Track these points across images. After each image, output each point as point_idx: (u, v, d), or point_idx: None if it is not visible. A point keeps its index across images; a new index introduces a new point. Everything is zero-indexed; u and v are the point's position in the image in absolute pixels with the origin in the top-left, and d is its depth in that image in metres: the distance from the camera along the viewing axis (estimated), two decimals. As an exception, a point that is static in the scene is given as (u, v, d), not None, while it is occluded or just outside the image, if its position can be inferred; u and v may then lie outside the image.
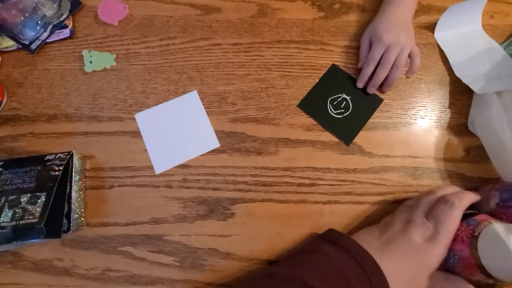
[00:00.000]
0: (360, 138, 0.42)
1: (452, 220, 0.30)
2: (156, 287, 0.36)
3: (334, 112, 0.42)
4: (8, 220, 0.34)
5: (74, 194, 0.37)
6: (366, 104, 0.43)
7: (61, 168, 0.37)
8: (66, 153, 0.38)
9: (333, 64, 0.45)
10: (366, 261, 0.29)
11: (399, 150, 0.42)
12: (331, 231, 0.35)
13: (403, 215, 0.34)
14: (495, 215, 0.35)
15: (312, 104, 0.43)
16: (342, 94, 0.43)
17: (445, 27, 0.47)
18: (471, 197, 0.34)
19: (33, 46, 0.44)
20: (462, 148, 0.42)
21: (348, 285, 0.27)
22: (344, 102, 0.43)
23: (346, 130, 0.42)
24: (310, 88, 0.44)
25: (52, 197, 0.35)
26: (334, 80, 0.44)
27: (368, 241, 0.31)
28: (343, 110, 0.42)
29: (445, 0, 0.49)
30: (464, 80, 0.43)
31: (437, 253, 0.29)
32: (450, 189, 0.36)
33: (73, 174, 0.37)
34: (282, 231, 0.38)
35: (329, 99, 0.43)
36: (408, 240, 0.30)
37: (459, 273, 0.31)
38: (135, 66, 0.45)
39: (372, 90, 0.43)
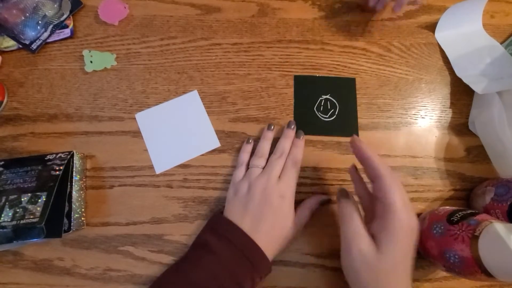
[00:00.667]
0: (361, 137, 0.42)
1: (294, 178, 0.36)
2: (156, 287, 0.36)
3: (326, 116, 0.42)
4: (9, 220, 0.34)
5: (74, 194, 0.37)
6: (345, 91, 0.43)
7: (61, 167, 0.37)
8: (67, 153, 0.38)
9: (295, 75, 0.44)
10: (255, 256, 0.31)
11: (400, 149, 0.42)
12: (216, 219, 0.35)
13: (258, 183, 0.35)
14: (490, 209, 0.35)
15: (304, 121, 0.42)
16: (321, 96, 0.43)
17: (446, 26, 0.47)
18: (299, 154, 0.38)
19: (34, 46, 0.44)
20: (463, 148, 0.42)
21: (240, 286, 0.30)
22: (328, 102, 0.43)
23: (347, 125, 0.42)
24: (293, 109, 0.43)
25: (52, 197, 0.35)
26: (306, 88, 0.44)
27: (240, 220, 0.33)
28: (332, 110, 0.42)
29: (445, 0, 0.49)
30: (465, 80, 0.43)
31: (289, 205, 0.35)
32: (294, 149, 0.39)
33: (73, 174, 0.37)
34: (282, 231, 0.38)
35: (314, 107, 0.42)
36: (271, 208, 0.34)
37: (460, 272, 0.31)
38: (135, 66, 0.45)
39: (397, 8, 0.42)
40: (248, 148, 0.40)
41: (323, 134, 0.42)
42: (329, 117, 0.42)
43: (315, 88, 0.43)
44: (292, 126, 0.40)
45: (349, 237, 0.28)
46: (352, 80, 0.44)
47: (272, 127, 0.40)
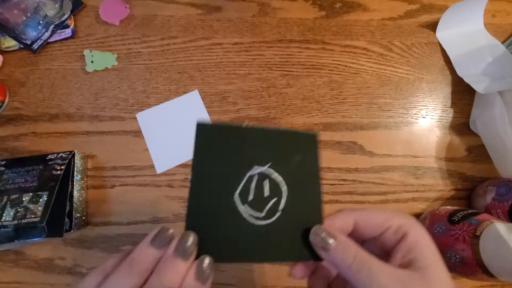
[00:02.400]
0: (361, 137, 0.42)
1: None
2: (157, 286, 0.37)
3: (258, 215, 0.20)
4: (10, 219, 0.34)
5: (75, 193, 0.37)
6: (299, 157, 0.22)
7: (62, 167, 0.37)
8: (68, 153, 0.38)
9: (197, 123, 0.21)
10: None
11: (401, 149, 0.42)
12: None
13: None
14: (491, 209, 0.35)
15: (208, 223, 0.20)
16: (253, 171, 0.21)
17: (447, 26, 0.47)
18: None
19: (35, 46, 0.45)
20: (464, 147, 0.42)
21: None
22: (266, 185, 0.21)
23: (297, 233, 0.21)
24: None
25: (54, 196, 0.35)
26: (223, 147, 0.21)
27: None
28: (273, 201, 0.21)
29: (446, -1, 0.48)
30: (466, 80, 0.43)
31: None
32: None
33: (74, 174, 0.38)
34: (283, 231, 0.38)
35: (235, 194, 0.20)
36: None
37: (461, 272, 0.31)
38: (136, 65, 0.45)
39: None
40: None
41: (245, 260, 0.21)
42: (265, 217, 0.20)
43: (241, 149, 0.21)
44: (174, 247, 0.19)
45: (357, 271, 0.19)
46: (312, 138, 0.23)
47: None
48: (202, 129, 0.21)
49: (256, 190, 0.21)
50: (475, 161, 0.42)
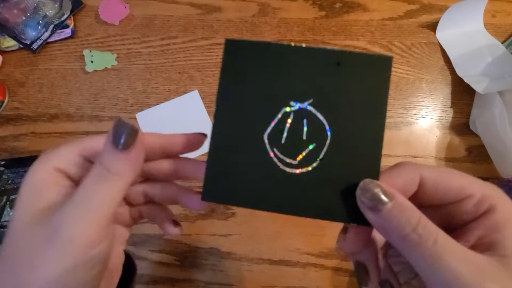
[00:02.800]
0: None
1: None
2: (157, 287, 0.37)
3: (289, 161, 0.17)
4: (10, 220, 0.34)
5: (75, 194, 0.37)
6: (356, 88, 0.17)
7: (62, 167, 0.37)
8: (68, 153, 0.38)
9: (228, 40, 0.18)
10: None
11: (400, 149, 0.42)
12: None
13: None
14: None
15: (232, 162, 0.18)
16: (290, 107, 0.17)
17: (447, 26, 0.47)
18: None
19: (35, 46, 0.45)
20: (464, 147, 0.42)
21: None
22: (304, 126, 0.17)
23: (339, 188, 0.17)
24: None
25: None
26: (255, 73, 0.18)
27: None
28: (312, 147, 0.17)
29: (446, -1, 0.48)
30: (466, 80, 0.43)
31: None
32: None
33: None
34: (283, 231, 0.38)
35: (265, 134, 0.17)
36: None
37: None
38: (136, 65, 0.45)
39: None
40: None
41: (270, 209, 0.17)
42: (298, 165, 0.17)
43: (278, 77, 0.17)
44: None
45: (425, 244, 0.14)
46: (384, 62, 0.17)
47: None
48: (232, 47, 0.18)
49: (290, 132, 0.17)
50: (475, 161, 0.42)
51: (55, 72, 0.44)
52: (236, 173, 0.18)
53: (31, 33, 0.44)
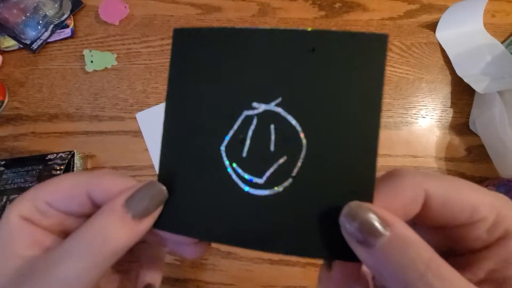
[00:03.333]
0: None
1: None
2: (157, 286, 0.37)
3: (255, 181, 0.13)
4: None
5: (75, 194, 0.37)
6: (345, 86, 0.13)
7: (62, 167, 0.37)
8: (67, 153, 0.38)
9: (176, 30, 0.15)
10: None
11: (400, 149, 0.42)
12: None
13: None
14: None
15: (183, 182, 0.15)
16: (253, 110, 0.13)
17: (447, 26, 0.47)
18: None
19: (35, 46, 0.45)
20: (463, 147, 0.42)
21: None
22: (272, 133, 0.13)
23: (318, 219, 0.13)
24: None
25: (53, 197, 0.35)
26: (210, 67, 0.14)
27: None
28: (281, 161, 0.13)
29: (446, -1, 0.48)
30: (466, 80, 0.43)
31: None
32: None
33: (74, 174, 0.38)
34: (283, 231, 0.38)
35: (222, 145, 0.14)
36: None
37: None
38: (136, 65, 0.45)
39: None
40: None
41: (243, 246, 0.15)
42: (266, 185, 0.13)
43: (238, 70, 0.14)
44: None
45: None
46: (376, 43, 0.12)
47: None
48: (180, 37, 0.14)
49: (254, 142, 0.13)
50: (475, 161, 0.42)
51: (55, 72, 0.44)
52: (188, 198, 0.14)
53: (31, 33, 0.44)
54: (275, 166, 0.13)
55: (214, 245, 0.38)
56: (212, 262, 0.37)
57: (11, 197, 0.35)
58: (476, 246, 0.12)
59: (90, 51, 0.45)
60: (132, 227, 0.13)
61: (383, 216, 0.11)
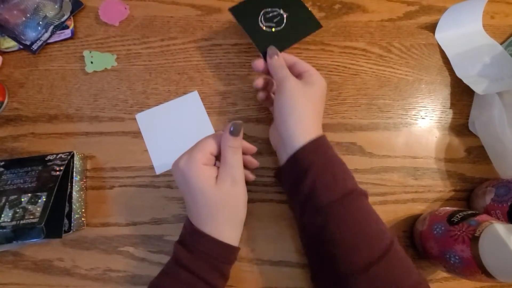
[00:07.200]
0: (361, 138, 0.42)
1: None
2: (156, 287, 0.36)
3: (264, 24, 0.39)
4: (9, 220, 0.34)
5: (75, 194, 0.37)
6: (303, 25, 0.40)
7: (62, 168, 0.37)
8: (67, 153, 0.38)
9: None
10: (226, 256, 0.31)
11: (400, 150, 0.42)
12: (184, 231, 0.33)
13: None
14: (490, 210, 0.35)
15: (244, 11, 0.40)
16: (279, 10, 0.40)
17: (446, 27, 0.47)
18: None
19: (35, 47, 0.45)
20: (463, 148, 0.42)
21: None
22: (279, 17, 0.40)
23: (272, 44, 0.38)
24: None
25: (52, 197, 0.35)
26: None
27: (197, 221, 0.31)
28: (273, 25, 0.39)
29: (445, 1, 0.49)
30: (465, 81, 0.43)
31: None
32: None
33: (74, 174, 0.37)
34: (283, 231, 0.38)
35: (263, 11, 0.40)
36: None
37: (460, 273, 0.31)
38: (136, 66, 0.45)
39: None
40: None
41: (245, 31, 0.39)
42: (265, 27, 0.39)
43: (285, 1, 0.41)
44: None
45: (282, 77, 0.35)
46: (317, 25, 0.41)
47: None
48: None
49: (272, 16, 0.40)
50: (475, 162, 0.42)
51: (55, 73, 0.44)
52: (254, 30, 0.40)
53: (31, 34, 0.45)
54: (279, 23, 0.40)
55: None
56: (211, 263, 0.37)
57: (10, 197, 0.35)
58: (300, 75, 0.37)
59: (90, 52, 0.45)
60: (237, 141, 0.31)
61: (278, 53, 0.37)
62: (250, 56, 0.46)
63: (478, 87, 0.41)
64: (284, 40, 0.39)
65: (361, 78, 0.45)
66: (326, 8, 0.48)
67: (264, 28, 0.39)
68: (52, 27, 0.45)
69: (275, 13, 0.40)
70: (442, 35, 0.47)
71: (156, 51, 0.46)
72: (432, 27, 0.48)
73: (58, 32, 0.45)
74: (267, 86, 0.39)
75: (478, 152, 0.42)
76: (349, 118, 0.43)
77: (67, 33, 0.46)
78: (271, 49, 0.37)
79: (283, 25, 0.39)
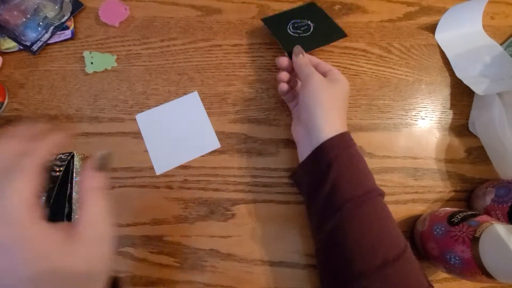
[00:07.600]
0: (361, 138, 0.42)
1: None
2: (156, 288, 0.36)
3: (292, 31, 0.43)
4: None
5: (75, 195, 0.37)
6: (328, 34, 0.44)
7: (62, 168, 0.37)
8: (67, 154, 0.38)
9: (313, 2, 0.47)
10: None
11: (400, 151, 0.42)
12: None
13: None
14: (491, 211, 0.35)
15: (275, 20, 0.44)
16: (307, 21, 0.44)
17: (446, 28, 0.47)
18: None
19: (35, 47, 0.45)
20: (463, 149, 0.42)
21: None
22: (306, 27, 0.43)
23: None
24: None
25: (52, 198, 0.35)
26: (308, 13, 0.45)
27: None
28: (301, 32, 0.43)
29: (445, 1, 0.49)
30: (465, 81, 0.43)
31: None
32: None
33: (74, 175, 0.37)
34: (283, 232, 0.38)
35: (292, 21, 0.44)
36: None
37: (460, 274, 0.31)
38: (136, 67, 0.45)
39: None
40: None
41: (273, 34, 0.43)
42: (293, 33, 0.43)
43: (313, 15, 0.45)
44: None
45: (308, 73, 0.36)
46: (342, 33, 0.43)
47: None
48: (310, 4, 0.47)
49: (299, 25, 0.44)
50: (475, 163, 0.42)
51: (55, 74, 0.44)
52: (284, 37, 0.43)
53: (31, 35, 0.45)
54: (304, 27, 0.44)
55: (214, 246, 0.38)
56: (211, 264, 0.37)
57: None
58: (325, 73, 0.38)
59: (90, 53, 0.45)
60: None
61: (304, 54, 0.38)
62: (250, 56, 0.46)
63: (478, 88, 0.41)
64: (309, 43, 0.41)
65: (361, 78, 0.45)
66: (326, 9, 0.48)
67: (291, 33, 0.43)
68: (52, 27, 0.45)
69: (303, 23, 0.44)
70: (442, 36, 0.47)
71: (156, 51, 0.46)
72: (432, 28, 0.48)
73: (58, 32, 0.46)
74: (290, 82, 0.40)
75: (478, 153, 0.42)
76: (349, 119, 0.43)
77: (67, 33, 0.46)
78: (297, 48, 0.38)
79: (309, 32, 0.43)
